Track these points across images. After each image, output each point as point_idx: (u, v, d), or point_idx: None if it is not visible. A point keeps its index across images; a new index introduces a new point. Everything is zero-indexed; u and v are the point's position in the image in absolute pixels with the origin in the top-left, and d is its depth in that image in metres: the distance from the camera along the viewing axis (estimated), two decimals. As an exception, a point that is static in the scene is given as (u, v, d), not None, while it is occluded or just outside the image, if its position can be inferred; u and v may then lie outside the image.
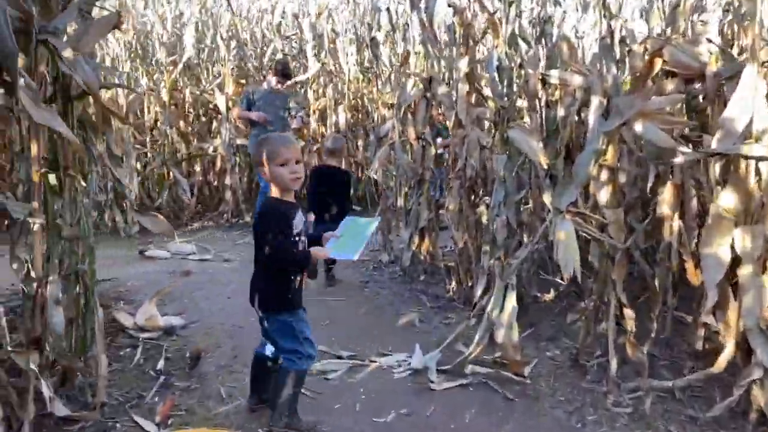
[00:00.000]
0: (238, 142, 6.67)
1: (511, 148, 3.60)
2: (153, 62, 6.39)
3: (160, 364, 2.84)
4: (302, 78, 7.20)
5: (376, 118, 7.50)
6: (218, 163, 6.80)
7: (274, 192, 2.18)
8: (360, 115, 7.84)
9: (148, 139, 6.36)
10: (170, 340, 3.23)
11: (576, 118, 3.31)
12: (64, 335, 2.44)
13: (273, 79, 5.69)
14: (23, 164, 2.26)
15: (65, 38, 2.20)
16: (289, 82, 7.03)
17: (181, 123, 6.67)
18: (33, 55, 2.06)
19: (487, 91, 3.92)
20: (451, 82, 3.85)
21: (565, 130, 3.34)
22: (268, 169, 2.13)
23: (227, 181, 6.67)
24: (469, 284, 3.89)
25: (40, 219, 2.15)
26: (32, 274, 2.16)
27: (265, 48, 7.14)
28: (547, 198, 3.44)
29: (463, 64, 3.65)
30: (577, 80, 3.12)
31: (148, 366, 2.87)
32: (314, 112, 7.26)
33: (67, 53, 2.01)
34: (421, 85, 4.18)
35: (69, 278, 2.44)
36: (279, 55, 7.05)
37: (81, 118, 2.52)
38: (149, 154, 6.31)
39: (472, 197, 3.82)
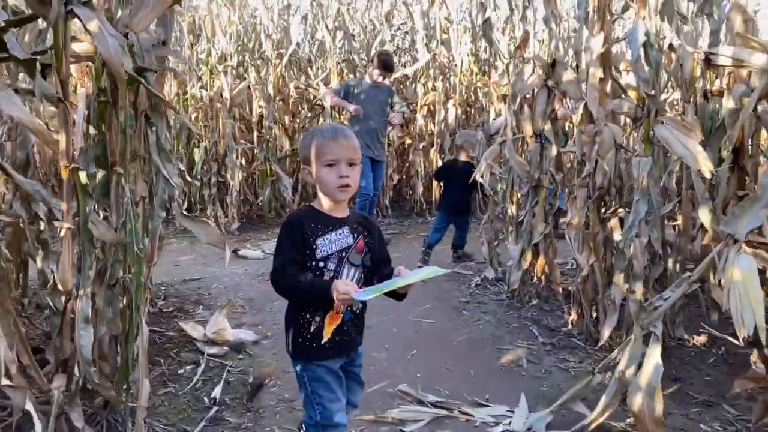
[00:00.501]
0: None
1: (658, 149, 2.81)
2: (260, 56, 6.24)
3: (217, 391, 2.48)
4: (410, 70, 6.71)
5: (491, 114, 6.80)
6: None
7: (318, 200, 1.69)
8: (472, 111, 7.19)
9: (255, 135, 6.22)
10: (237, 358, 2.88)
11: (751, 112, 2.47)
12: (108, 355, 2.15)
13: (375, 72, 5.25)
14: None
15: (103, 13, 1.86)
16: (395, 75, 6.58)
17: (286, 119, 6.47)
18: (60, 26, 1.73)
19: (625, 79, 3.14)
20: (579, 66, 3.13)
21: (733, 128, 2.52)
22: (314, 168, 1.63)
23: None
24: (593, 316, 3.14)
25: (69, 223, 1.84)
26: (59, 286, 1.86)
27: (372, 39, 6.74)
28: (704, 215, 2.62)
29: (597, 44, 2.91)
30: (759, 60, 2.29)
31: (204, 390, 2.52)
32: (421, 107, 6.73)
33: (93, 25, 1.66)
34: (541, 71, 3.48)
35: (113, 290, 2.13)
36: (387, 47, 6.60)
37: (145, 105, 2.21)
38: (255, 151, 6.16)
39: (602, 210, 3.06)
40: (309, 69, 6.91)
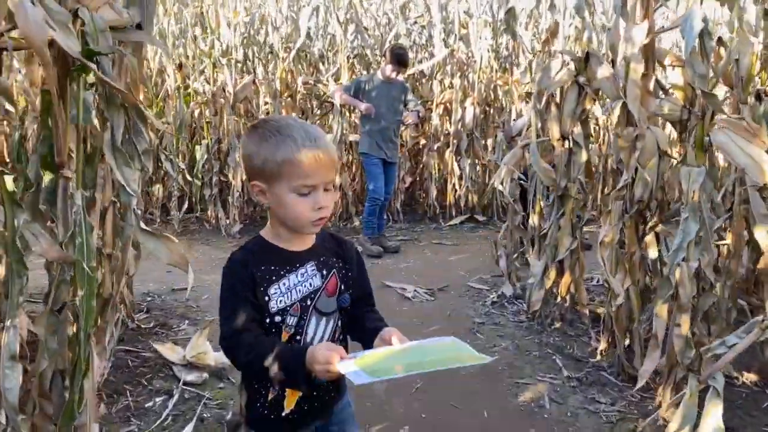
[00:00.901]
0: (351, 138, 5.97)
1: (712, 157, 2.40)
2: (270, 50, 5.90)
3: (187, 431, 2.13)
4: (426, 65, 6.32)
5: (511, 114, 6.39)
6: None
7: (272, 228, 1.25)
8: (491, 111, 6.77)
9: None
10: (216, 387, 2.53)
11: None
12: (53, 392, 1.81)
13: (388, 68, 4.87)
14: None
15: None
16: (410, 71, 6.19)
17: (294, 116, 6.13)
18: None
19: (672, 77, 2.72)
20: (615, 61, 2.72)
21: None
22: (276, 190, 1.18)
23: (336, 180, 5.99)
24: (626, 344, 2.74)
25: (-10, 239, 1.50)
26: (-21, 316, 1.52)
27: (386, 34, 6.36)
28: (762, 235, 2.21)
29: (639, 34, 2.50)
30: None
31: (174, 429, 2.17)
32: (437, 106, 6.34)
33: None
34: (572, 66, 3.07)
35: (59, 316, 1.79)
36: (402, 42, 6.22)
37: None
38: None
39: (641, 226, 2.65)
40: (320, 64, 6.56)
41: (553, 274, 3.27)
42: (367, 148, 5.02)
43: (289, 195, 1.16)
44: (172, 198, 5.58)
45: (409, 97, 5.13)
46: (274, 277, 1.20)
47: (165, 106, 5.79)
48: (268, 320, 1.19)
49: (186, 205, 5.83)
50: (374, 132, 4.99)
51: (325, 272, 1.26)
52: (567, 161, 3.20)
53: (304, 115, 6.48)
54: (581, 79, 3.06)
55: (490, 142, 6.65)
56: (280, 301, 1.20)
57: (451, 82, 6.41)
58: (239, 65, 5.79)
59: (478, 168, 6.66)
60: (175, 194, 5.57)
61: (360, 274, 1.35)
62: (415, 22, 6.98)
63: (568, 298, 3.33)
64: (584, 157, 3.14)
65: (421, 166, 6.83)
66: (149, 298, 3.70)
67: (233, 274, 1.20)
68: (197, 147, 5.70)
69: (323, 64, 6.48)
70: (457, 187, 6.46)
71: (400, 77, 5.15)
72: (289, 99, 6.18)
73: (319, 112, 6.51)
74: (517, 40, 5.19)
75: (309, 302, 1.23)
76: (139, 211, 1.85)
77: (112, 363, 2.59)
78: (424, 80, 6.67)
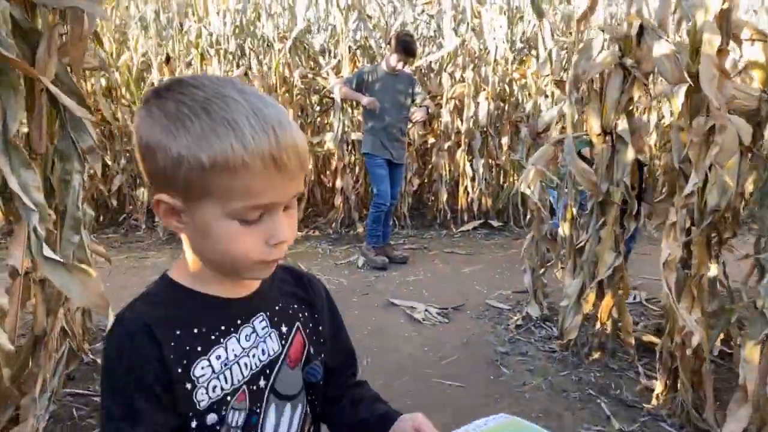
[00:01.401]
0: (353, 137, 5.45)
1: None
2: (264, 40, 5.39)
3: None
4: (435, 56, 5.79)
5: (528, 110, 5.85)
6: (334, 162, 5.62)
7: (191, 264, 0.73)
8: (506, 106, 6.23)
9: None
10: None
11: None
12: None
13: (393, 57, 4.34)
14: None
15: None
16: (417, 63, 5.66)
17: (291, 112, 5.61)
18: None
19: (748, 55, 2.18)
20: (677, 36, 2.20)
21: None
22: (186, 208, 0.67)
23: (338, 183, 5.49)
24: (692, 388, 2.20)
25: None
26: None
27: (392, 22, 5.84)
28: None
29: (715, 1, 1.96)
30: None
31: None
32: (447, 101, 5.81)
33: None
34: (616, 46, 2.54)
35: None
36: (410, 30, 5.68)
37: None
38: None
39: (714, 243, 2.12)
40: (320, 57, 6.04)
41: (591, 296, 2.73)
42: (371, 148, 4.49)
43: (223, 223, 0.66)
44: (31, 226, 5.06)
45: (417, 90, 4.59)
46: (199, 348, 0.71)
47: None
48: (194, 424, 0.69)
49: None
50: (378, 130, 4.46)
51: (284, 329, 0.79)
52: (609, 160, 2.66)
53: (303, 113, 5.97)
54: (628, 62, 2.52)
55: (505, 140, 6.12)
56: (214, 387, 0.71)
57: (462, 75, 5.87)
58: (231, 57, 5.28)
59: (492, 168, 6.13)
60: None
61: (335, 328, 0.89)
62: (423, 11, 6.45)
63: (609, 323, 2.79)
64: (630, 155, 2.60)
65: (429, 166, 6.30)
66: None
67: (123, 353, 0.69)
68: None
69: (324, 57, 5.96)
70: (469, 189, 5.93)
71: (407, 69, 4.63)
72: (286, 94, 5.67)
73: (318, 108, 6.00)
74: (544, 19, 4.64)
75: (263, 382, 0.76)
76: (43, 232, 1.33)
77: (51, 414, 2.08)
78: (432, 74, 6.14)
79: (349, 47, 5.47)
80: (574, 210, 3.19)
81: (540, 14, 3.64)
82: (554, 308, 3.44)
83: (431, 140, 6.22)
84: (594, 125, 2.65)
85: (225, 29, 5.13)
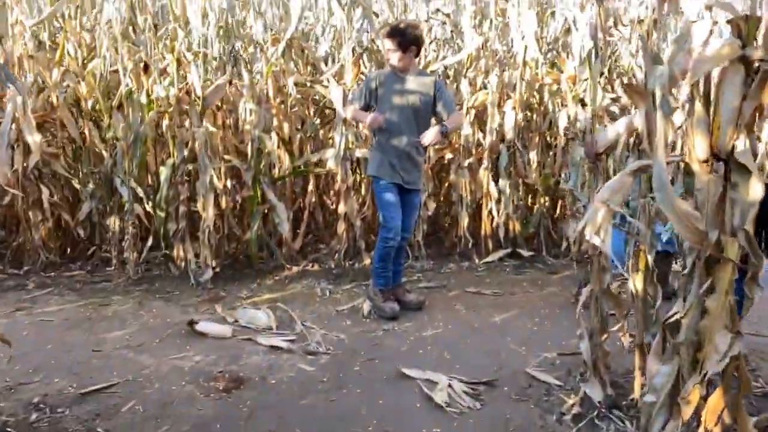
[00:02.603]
0: (358, 154, 4.65)
1: None
2: (249, 42, 4.62)
3: None
4: (453, 60, 4.97)
5: (560, 121, 5.02)
6: (337, 183, 4.81)
7: None
8: (534, 116, 5.39)
9: (251, 148, 4.56)
10: None
11: None
12: None
13: (392, 55, 3.56)
14: None
15: None
16: (434, 66, 4.85)
17: (285, 126, 4.83)
18: None
19: None
20: None
21: None
22: None
23: (341, 208, 4.68)
24: None
25: None
26: None
27: (400, 16, 5.04)
28: None
29: None
30: None
31: None
32: (468, 111, 4.99)
33: None
34: (736, 36, 1.71)
35: None
36: (424, 31, 4.87)
37: None
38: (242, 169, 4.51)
39: None
40: (323, 63, 5.25)
41: (695, 395, 1.87)
42: (376, 170, 3.68)
43: None
44: (126, 235, 4.29)
45: (444, 96, 3.69)
46: None
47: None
48: None
49: (151, 241, 4.55)
50: (386, 147, 3.66)
51: None
52: (720, 197, 1.82)
53: (303, 127, 5.17)
54: (755, 54, 1.69)
55: (533, 155, 5.29)
56: None
57: (484, 82, 5.05)
58: (214, 62, 4.51)
59: (520, 188, 5.29)
60: (129, 230, 4.28)
61: None
62: (438, 10, 5.65)
63: (718, 430, 1.94)
64: (756, 190, 1.75)
65: (447, 186, 5.47)
66: (38, 411, 2.39)
67: None
68: (162, 168, 4.42)
69: (326, 64, 5.17)
70: (494, 213, 5.09)
71: (426, 72, 3.82)
72: (282, 105, 4.89)
73: (319, 120, 5.21)
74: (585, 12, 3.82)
75: None
76: None
77: None
78: (448, 81, 5.32)
79: (353, 50, 4.67)
80: (649, 257, 2.35)
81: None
82: (621, 386, 2.59)
83: (448, 155, 5.39)
84: (699, 146, 1.81)
85: (208, 30, 4.37)
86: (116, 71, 4.41)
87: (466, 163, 5.05)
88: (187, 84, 4.21)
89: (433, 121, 3.79)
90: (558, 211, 5.68)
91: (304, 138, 5.21)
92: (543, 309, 3.82)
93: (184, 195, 4.36)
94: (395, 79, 3.64)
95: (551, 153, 5.56)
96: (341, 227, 4.72)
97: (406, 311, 3.74)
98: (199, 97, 4.16)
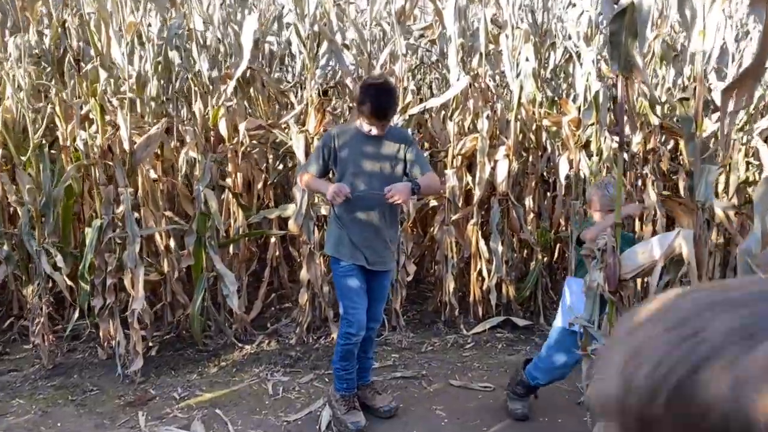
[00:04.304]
0: (323, 211, 3.93)
1: None
2: (194, 78, 3.89)
3: None
4: (436, 102, 4.26)
5: (561, 167, 4.34)
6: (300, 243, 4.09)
7: None
8: (531, 158, 4.70)
9: (192, 207, 3.84)
10: None
11: None
12: None
13: (361, 119, 2.86)
14: None
15: None
16: (414, 110, 4.14)
17: (239, 177, 4.10)
18: None
19: None
20: None
21: None
22: None
23: (303, 274, 3.96)
24: None
25: None
26: None
27: (378, 51, 4.33)
28: None
29: None
30: None
31: None
32: (454, 159, 4.29)
33: None
34: None
35: None
36: (398, 67, 4.15)
37: None
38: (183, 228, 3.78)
39: None
40: (288, 98, 4.54)
41: None
42: (334, 248, 2.98)
43: None
44: (39, 318, 3.54)
45: (413, 154, 3.01)
46: None
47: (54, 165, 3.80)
48: None
49: (75, 317, 3.80)
50: (348, 221, 2.95)
51: None
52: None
53: (261, 175, 4.43)
54: None
55: (528, 202, 4.59)
56: None
57: (473, 123, 4.35)
58: (152, 104, 3.78)
59: (514, 245, 4.59)
60: (42, 311, 3.53)
61: None
62: (422, 35, 4.95)
63: None
64: None
65: (431, 241, 4.76)
66: None
67: None
68: (87, 231, 3.68)
69: (288, 103, 4.45)
70: (484, 274, 4.39)
71: (399, 128, 3.14)
72: (234, 153, 4.15)
73: (281, 167, 4.49)
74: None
75: None
76: None
77: None
78: (430, 121, 4.62)
79: (321, 89, 3.95)
80: None
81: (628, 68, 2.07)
82: None
83: (432, 202, 4.68)
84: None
85: (143, 66, 3.64)
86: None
87: (452, 219, 4.34)
88: (109, 132, 3.47)
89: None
90: (557, 268, 4.98)
91: (263, 190, 4.48)
92: (542, 416, 3.12)
93: (113, 265, 3.62)
94: (361, 139, 2.93)
95: (548, 198, 4.88)
96: (304, 297, 3.99)
97: (375, 420, 3.03)
98: (125, 152, 3.43)
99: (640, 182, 4.32)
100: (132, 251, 3.44)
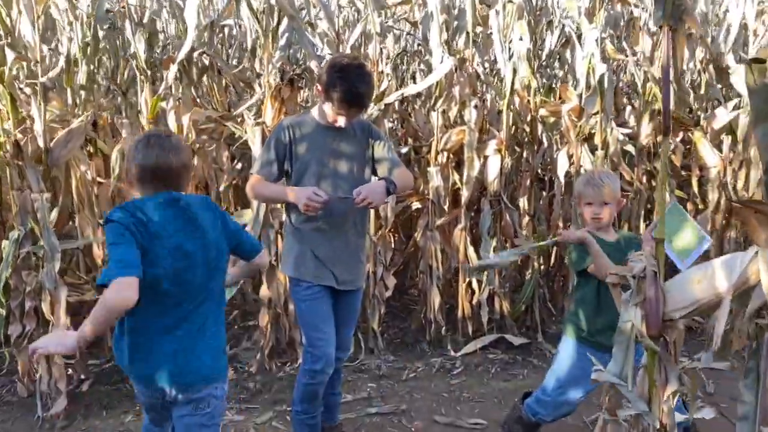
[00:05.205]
0: (285, 217, 3.35)
1: None
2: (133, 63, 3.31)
3: None
4: (418, 88, 3.71)
5: (560, 161, 3.83)
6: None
7: None
8: (526, 153, 4.16)
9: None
10: None
11: None
12: None
13: (327, 106, 2.29)
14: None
15: None
16: (390, 99, 3.58)
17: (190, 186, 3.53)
18: None
19: None
20: None
21: None
22: None
23: (263, 291, 3.39)
24: None
25: None
26: None
27: (349, 30, 3.75)
28: None
29: None
30: None
31: None
32: (438, 154, 3.74)
33: None
34: None
35: None
36: (372, 48, 3.59)
37: None
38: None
39: None
40: (253, 88, 3.96)
41: None
42: (294, 268, 2.43)
43: None
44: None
45: (380, 146, 2.45)
46: None
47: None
48: None
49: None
50: (308, 232, 2.40)
51: None
52: None
53: (223, 175, 3.85)
54: None
55: (522, 202, 4.05)
56: None
57: (460, 114, 3.80)
58: (83, 93, 3.20)
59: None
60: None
61: None
62: (402, 17, 4.39)
63: None
64: None
65: (414, 249, 4.20)
66: None
67: None
68: (5, 243, 3.08)
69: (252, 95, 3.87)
70: (474, 286, 3.85)
71: (361, 120, 2.59)
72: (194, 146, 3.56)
73: (239, 166, 3.91)
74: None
75: None
76: None
77: None
78: (412, 111, 4.07)
79: (279, 74, 3.38)
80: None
81: None
82: None
83: (415, 204, 4.12)
84: None
85: (70, 46, 3.06)
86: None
87: (437, 224, 3.78)
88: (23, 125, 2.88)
89: (373, 179, 2.55)
90: (555, 275, 4.45)
91: (218, 194, 3.90)
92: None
93: (32, 285, 3.03)
94: (323, 132, 2.38)
95: (545, 198, 4.34)
96: (264, 318, 3.42)
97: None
98: (40, 147, 2.84)
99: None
100: (50, 269, 2.85)
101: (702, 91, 4.17)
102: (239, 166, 3.89)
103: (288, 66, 3.83)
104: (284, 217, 2.98)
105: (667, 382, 1.27)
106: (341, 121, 2.30)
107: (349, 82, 2.21)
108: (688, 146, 4.24)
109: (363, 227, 2.53)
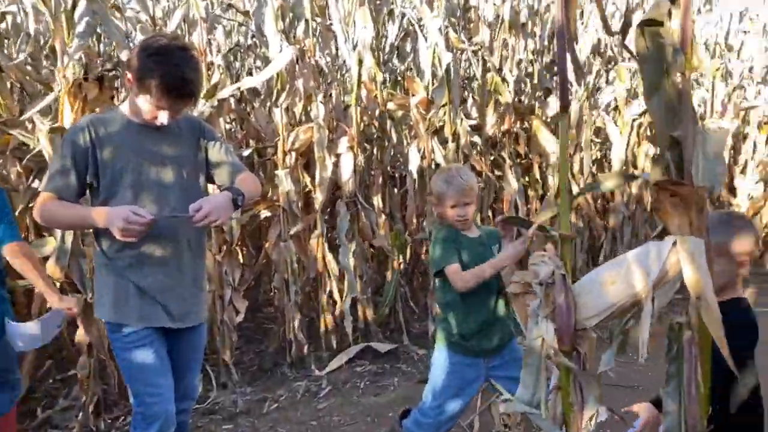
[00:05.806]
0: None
1: None
2: None
3: None
4: (254, 81, 3.30)
5: (411, 156, 3.69)
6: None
7: None
8: (375, 150, 3.97)
9: None
10: None
11: None
12: None
13: (141, 100, 1.81)
14: None
15: None
16: (226, 93, 3.13)
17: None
18: None
19: None
20: None
21: None
22: None
23: (80, 334, 2.74)
24: None
25: None
26: None
27: (167, 20, 3.21)
28: None
29: None
30: None
31: None
32: (286, 155, 3.37)
33: None
34: None
35: None
36: (197, 35, 3.11)
37: None
38: None
39: None
40: (48, 89, 3.21)
41: None
42: (112, 310, 1.91)
43: None
44: None
45: (218, 151, 2.03)
46: None
47: None
48: None
49: None
50: (130, 259, 1.89)
51: None
52: None
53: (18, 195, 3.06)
54: None
55: (376, 201, 3.84)
56: None
57: (306, 111, 3.47)
58: None
59: (367, 255, 3.82)
60: None
61: None
62: (230, 5, 3.92)
63: None
64: None
65: (265, 260, 3.79)
66: None
67: None
68: None
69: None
70: (336, 296, 3.56)
71: (189, 115, 2.14)
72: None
73: (36, 183, 3.16)
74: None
75: None
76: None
77: None
78: (252, 107, 3.65)
79: (87, 66, 2.74)
80: None
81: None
82: None
83: (263, 211, 3.70)
84: None
85: None
86: None
87: (290, 233, 3.41)
88: None
89: (212, 189, 2.12)
90: (413, 272, 4.34)
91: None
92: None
93: None
94: (138, 131, 1.88)
95: (397, 195, 4.19)
96: (85, 368, 2.77)
97: None
98: None
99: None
100: None
101: (536, 81, 4.33)
102: (36, 183, 3.13)
103: (96, 59, 3.22)
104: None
105: (585, 403, 1.08)
106: (163, 117, 1.83)
107: (170, 64, 1.75)
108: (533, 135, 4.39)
109: (200, 248, 2.07)
